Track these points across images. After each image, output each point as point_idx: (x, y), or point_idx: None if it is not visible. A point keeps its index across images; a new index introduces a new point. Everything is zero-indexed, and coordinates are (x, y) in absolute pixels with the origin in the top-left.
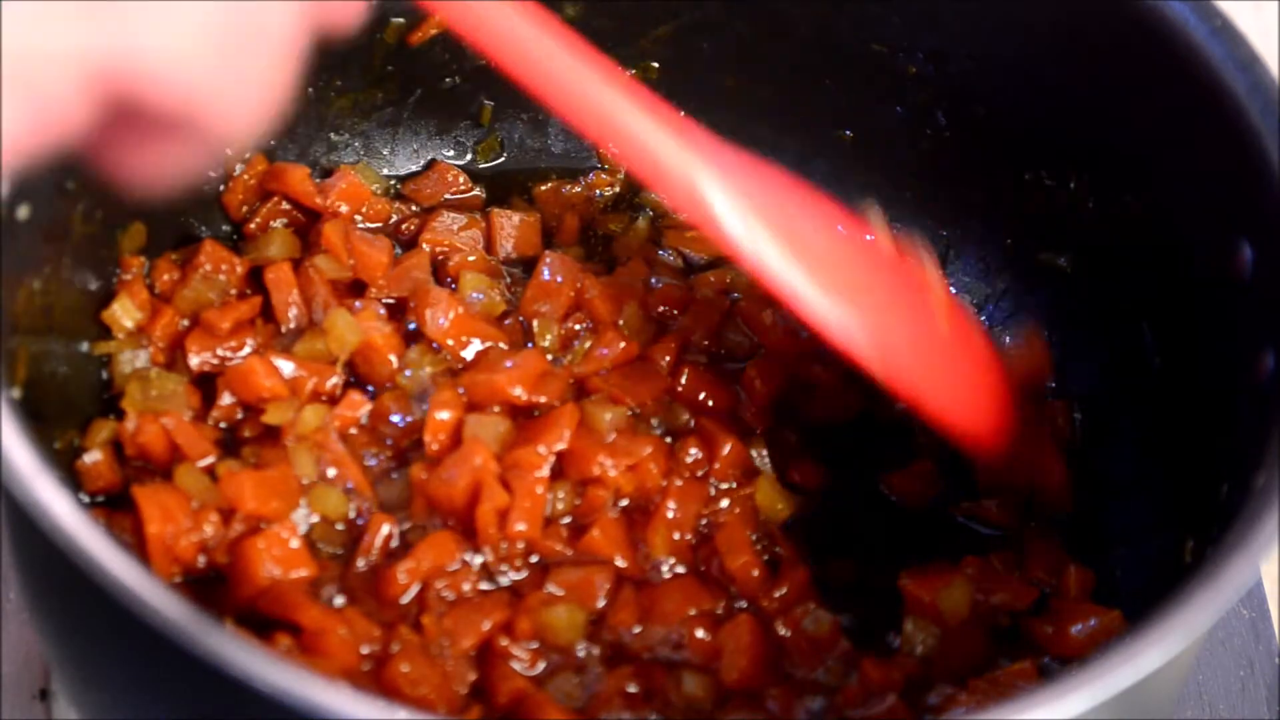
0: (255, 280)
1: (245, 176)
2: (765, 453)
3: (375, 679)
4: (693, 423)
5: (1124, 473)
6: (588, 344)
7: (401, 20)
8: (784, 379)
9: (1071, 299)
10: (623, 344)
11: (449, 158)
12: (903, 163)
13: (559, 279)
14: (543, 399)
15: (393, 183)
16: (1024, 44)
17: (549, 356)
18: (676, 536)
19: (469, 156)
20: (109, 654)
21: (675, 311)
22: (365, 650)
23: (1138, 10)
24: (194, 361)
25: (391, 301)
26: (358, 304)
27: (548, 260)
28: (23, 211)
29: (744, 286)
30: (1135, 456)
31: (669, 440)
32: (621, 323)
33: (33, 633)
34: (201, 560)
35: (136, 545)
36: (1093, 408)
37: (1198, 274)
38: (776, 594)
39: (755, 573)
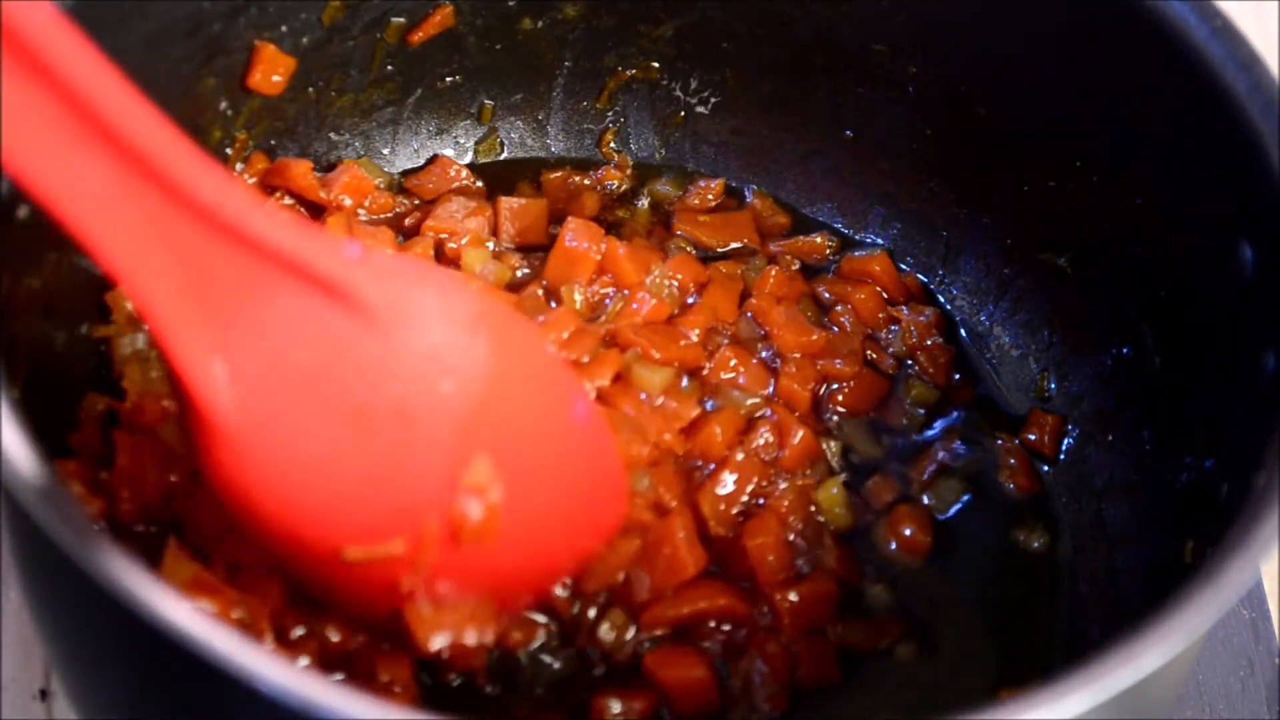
0: None
1: (246, 175)
2: (837, 450)
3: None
4: (768, 410)
5: (1124, 473)
6: (619, 304)
7: (402, 20)
8: (817, 377)
9: (1071, 299)
10: (654, 301)
11: (449, 157)
12: (903, 163)
13: (583, 244)
14: (573, 355)
15: (396, 177)
16: (1025, 44)
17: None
18: (722, 507)
19: (469, 156)
20: (109, 654)
21: (693, 285)
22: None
23: (1138, 11)
24: None
25: None
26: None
27: (571, 226)
28: (23, 211)
29: (755, 281)
30: (1135, 456)
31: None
32: (649, 282)
33: (33, 633)
34: (165, 515)
35: (105, 484)
36: (1093, 408)
37: (1198, 274)
38: (790, 595)
39: (770, 558)
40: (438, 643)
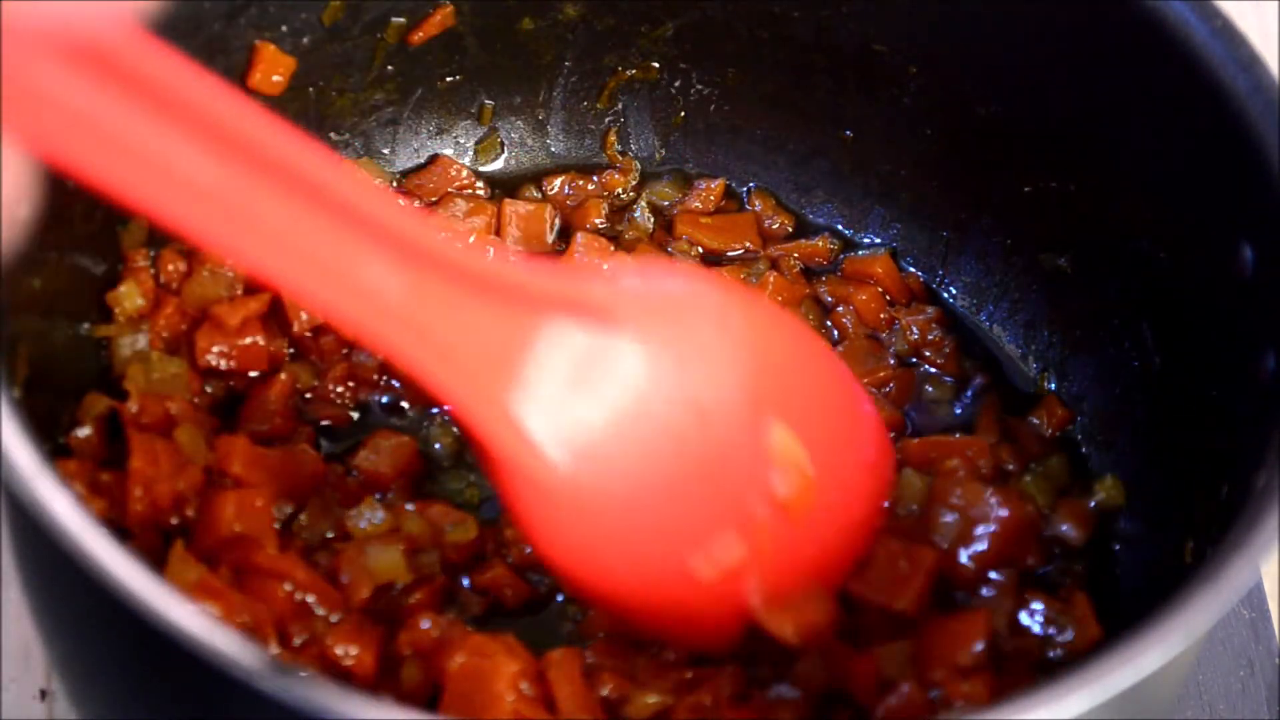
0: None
1: None
2: None
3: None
4: None
5: (1124, 473)
6: None
7: (402, 20)
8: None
9: (1071, 299)
10: None
11: (449, 157)
12: (903, 163)
13: (593, 260)
14: None
15: (397, 177)
16: (1025, 45)
17: None
18: None
19: (469, 156)
20: (109, 654)
21: None
22: (300, 598)
23: (1138, 11)
24: (204, 359)
25: None
26: None
27: (580, 241)
28: (23, 211)
29: (754, 288)
30: (1135, 457)
31: None
32: None
33: (33, 633)
34: (174, 519)
35: (107, 485)
36: (1093, 407)
37: (1198, 274)
38: None
39: None
40: (791, 630)
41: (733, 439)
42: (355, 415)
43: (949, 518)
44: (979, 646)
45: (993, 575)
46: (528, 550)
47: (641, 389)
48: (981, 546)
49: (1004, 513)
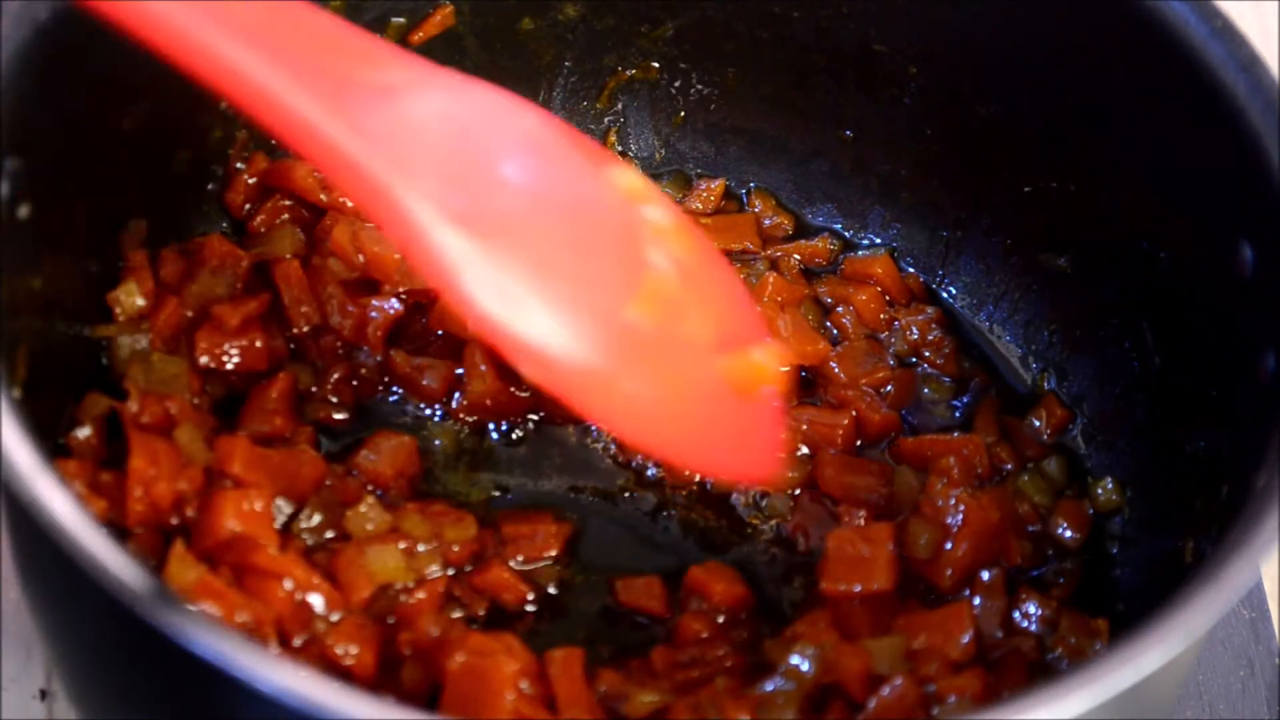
0: (259, 276)
1: (246, 175)
2: None
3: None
4: None
5: (1124, 473)
6: None
7: (402, 20)
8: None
9: (1071, 299)
10: None
11: None
12: (903, 163)
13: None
14: None
15: None
16: (1025, 45)
17: None
18: None
19: None
20: (109, 654)
21: None
22: (300, 598)
23: (1138, 11)
24: (204, 359)
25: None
26: None
27: None
28: (23, 211)
29: (755, 288)
30: (1135, 457)
31: None
32: None
33: (33, 633)
34: (174, 519)
35: (107, 485)
36: (1093, 408)
37: (1198, 274)
38: None
39: None
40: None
41: (604, 205)
42: (355, 415)
43: (922, 522)
44: (967, 638)
45: (984, 575)
46: (519, 560)
47: (514, 154)
48: (949, 547)
49: (971, 515)
